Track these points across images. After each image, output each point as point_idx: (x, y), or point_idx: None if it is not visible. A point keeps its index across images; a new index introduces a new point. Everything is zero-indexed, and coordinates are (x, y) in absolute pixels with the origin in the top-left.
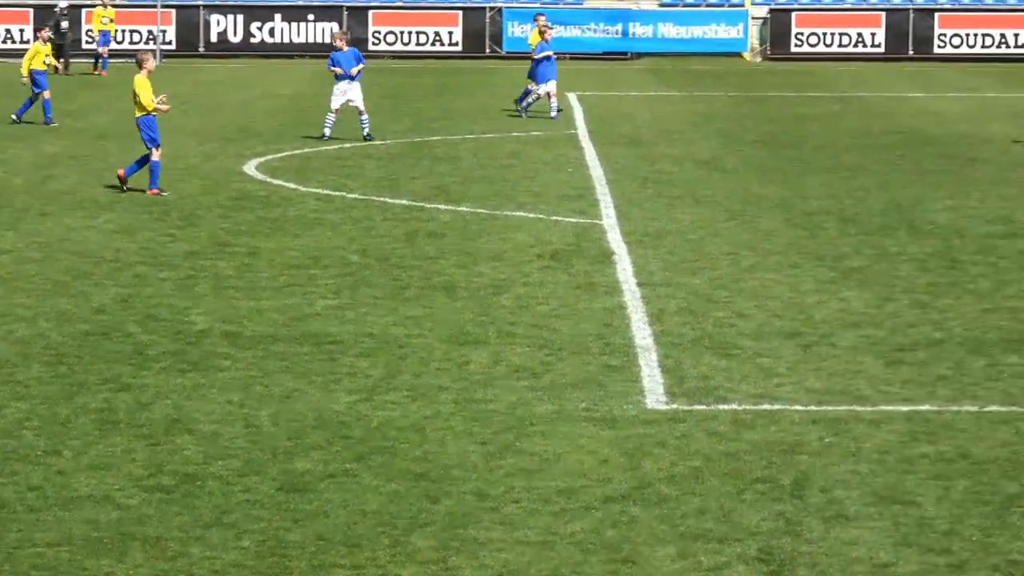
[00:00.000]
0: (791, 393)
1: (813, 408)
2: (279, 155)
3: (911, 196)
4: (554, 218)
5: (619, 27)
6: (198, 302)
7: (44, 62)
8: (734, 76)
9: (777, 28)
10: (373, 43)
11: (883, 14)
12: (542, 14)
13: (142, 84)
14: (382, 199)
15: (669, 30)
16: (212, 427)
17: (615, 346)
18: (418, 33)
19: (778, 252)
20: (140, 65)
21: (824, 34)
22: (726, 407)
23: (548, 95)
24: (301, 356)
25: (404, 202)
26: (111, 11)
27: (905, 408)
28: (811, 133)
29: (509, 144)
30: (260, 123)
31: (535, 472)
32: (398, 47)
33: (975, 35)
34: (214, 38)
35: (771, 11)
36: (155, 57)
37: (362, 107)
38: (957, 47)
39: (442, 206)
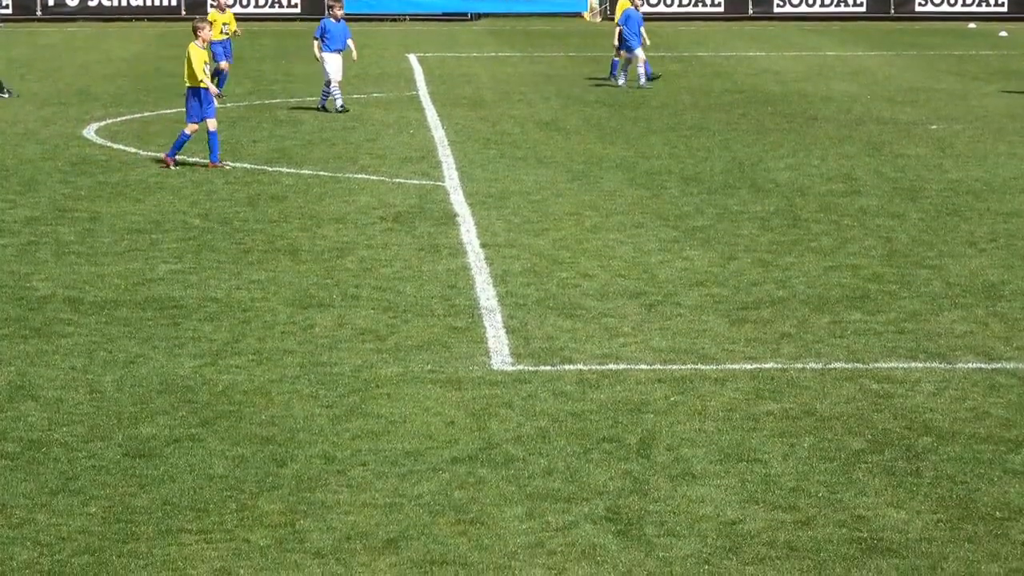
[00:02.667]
0: (636, 353)
1: (658, 367)
2: (119, 119)
3: (753, 155)
4: (397, 180)
5: None
6: (39, 268)
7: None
8: (574, 36)
9: None
10: (212, 4)
11: None
12: None
13: (195, 53)
14: (223, 163)
15: None
16: (56, 393)
17: (460, 308)
18: None
19: (621, 212)
20: (195, 33)
21: None
22: (571, 367)
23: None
24: (144, 321)
25: (246, 166)
26: None
27: (750, 366)
28: (652, 92)
29: (350, 106)
30: (99, 87)
31: (381, 435)
32: (237, 9)
33: None
34: (51, 1)
35: None
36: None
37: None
38: (796, 6)
39: (284, 169)
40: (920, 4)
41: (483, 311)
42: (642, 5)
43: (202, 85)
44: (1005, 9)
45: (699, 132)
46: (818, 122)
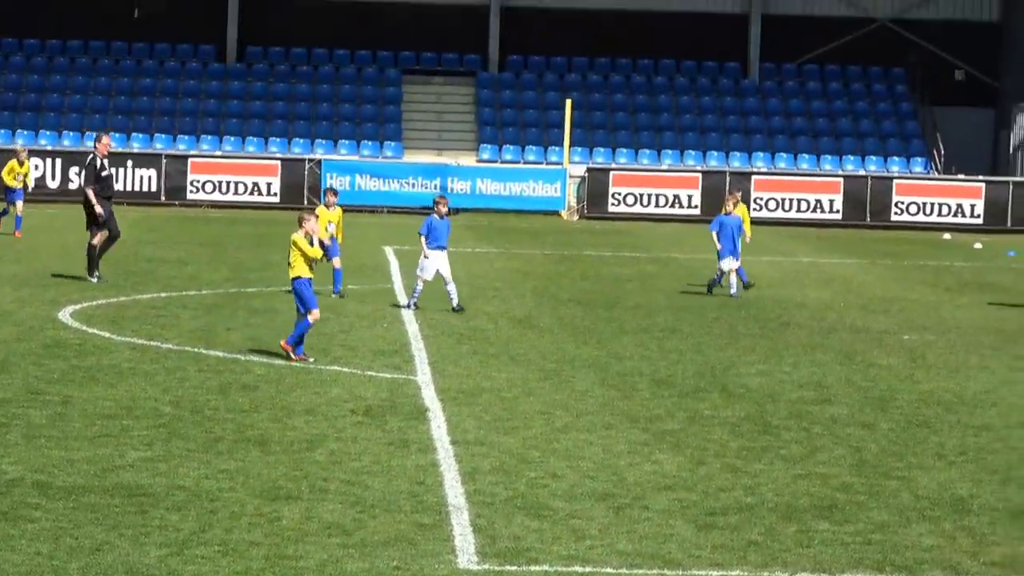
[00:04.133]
0: (602, 555)
1: (624, 571)
2: (94, 303)
3: (725, 359)
4: (369, 373)
5: (437, 182)
6: (9, 451)
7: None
8: (551, 234)
9: (595, 187)
10: (191, 191)
11: (699, 176)
12: None
13: (302, 241)
14: (197, 350)
15: (487, 186)
16: None
17: (427, 504)
18: (237, 183)
19: (592, 412)
20: (299, 224)
21: (641, 195)
22: (537, 568)
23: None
24: (112, 508)
25: (219, 354)
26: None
27: (716, 573)
28: (626, 293)
29: (324, 298)
30: (76, 270)
31: None
32: (217, 196)
33: (791, 199)
34: (32, 183)
35: (589, 170)
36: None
37: (450, 277)
38: (773, 211)
39: (257, 358)
40: (896, 213)
41: (451, 508)
42: (733, 207)
43: (309, 274)
44: (980, 221)
45: (672, 334)
46: (791, 328)
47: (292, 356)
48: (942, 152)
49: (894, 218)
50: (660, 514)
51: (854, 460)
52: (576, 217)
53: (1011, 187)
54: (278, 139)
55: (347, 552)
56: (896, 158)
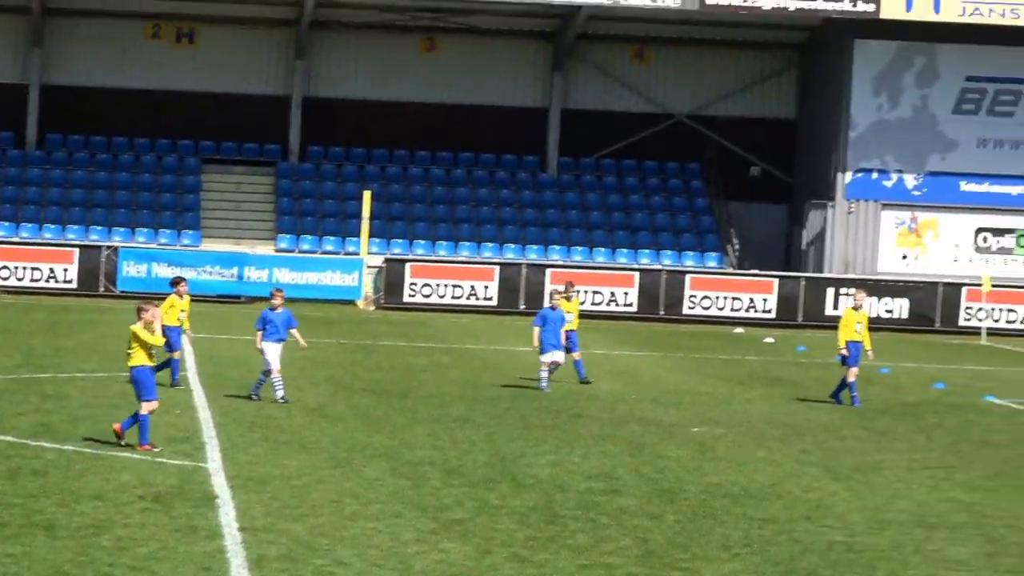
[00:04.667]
0: None
1: None
2: None
3: (515, 449)
4: (159, 460)
5: (235, 270)
6: None
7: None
8: (347, 323)
9: (392, 277)
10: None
11: (496, 268)
12: None
13: (141, 332)
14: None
15: (284, 275)
16: None
17: None
18: (32, 269)
19: (381, 501)
20: (138, 315)
21: (437, 285)
22: None
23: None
24: None
25: (9, 439)
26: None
27: None
28: (420, 383)
29: (118, 384)
30: None
31: None
32: (13, 282)
33: (586, 292)
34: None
35: (386, 260)
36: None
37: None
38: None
39: (47, 444)
40: (689, 307)
41: None
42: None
43: (149, 362)
44: (773, 316)
45: (464, 424)
46: (582, 420)
47: (121, 440)
48: (736, 247)
49: (687, 311)
50: None
51: (640, 551)
52: (373, 307)
53: (803, 283)
54: (75, 226)
55: None
56: (691, 252)
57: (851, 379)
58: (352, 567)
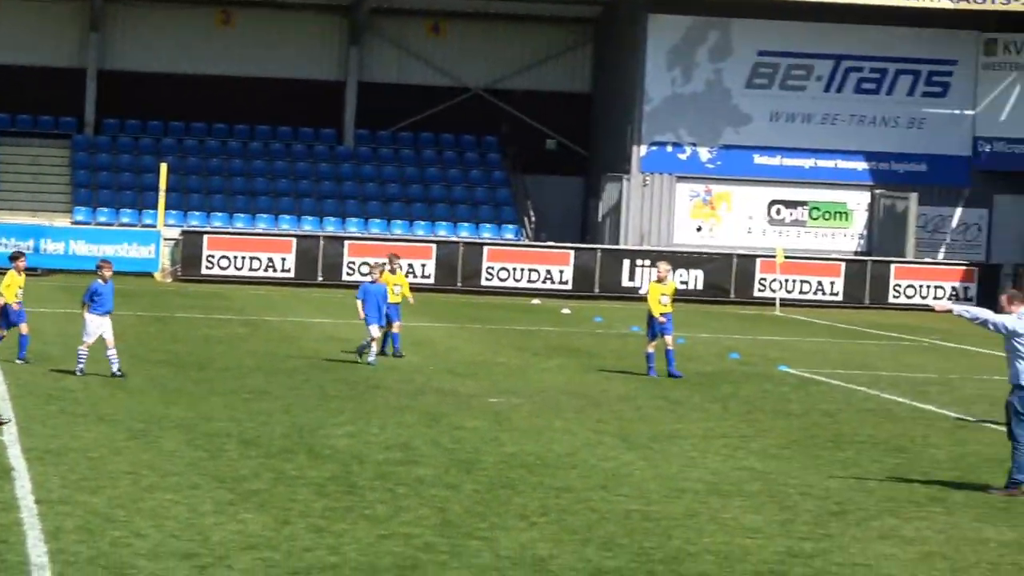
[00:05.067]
0: None
1: None
2: None
3: (313, 420)
4: None
5: (31, 242)
6: None
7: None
8: (144, 296)
9: (189, 250)
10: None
11: (293, 240)
12: None
13: None
14: None
15: (81, 247)
16: None
17: (10, 564)
18: None
19: (178, 473)
20: None
21: (235, 258)
22: None
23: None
24: None
25: None
26: None
27: None
28: (217, 355)
29: None
30: None
31: None
32: None
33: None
34: None
35: (184, 233)
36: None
37: (113, 343)
38: (365, 275)
39: None
40: (487, 279)
41: (33, 568)
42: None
43: None
44: (569, 287)
45: (262, 396)
46: (380, 391)
47: None
48: (533, 219)
49: (485, 283)
50: (244, 573)
51: (438, 520)
52: (170, 279)
53: (599, 254)
54: None
55: None
56: (488, 224)
57: (650, 350)
58: (150, 538)
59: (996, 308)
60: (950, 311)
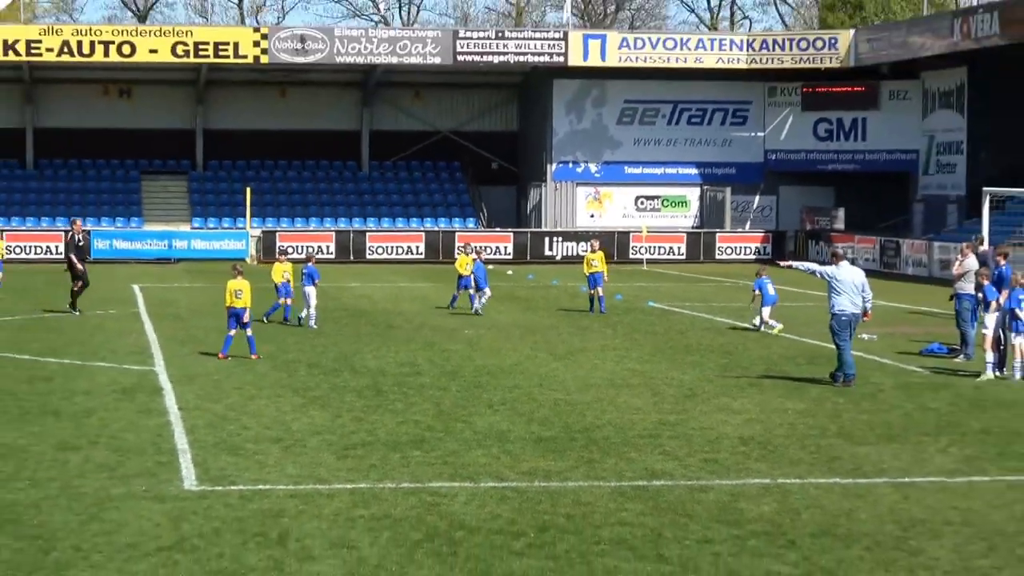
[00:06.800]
0: (276, 478)
1: (291, 487)
2: None
3: (352, 349)
4: (125, 367)
5: (165, 242)
6: None
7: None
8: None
9: (267, 243)
10: None
11: (333, 233)
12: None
13: None
14: (10, 355)
15: (199, 244)
16: None
17: (164, 449)
18: None
19: (268, 387)
20: None
21: (296, 247)
22: (235, 488)
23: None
24: None
25: (25, 357)
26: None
27: (349, 486)
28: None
29: (94, 320)
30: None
31: (112, 532)
32: None
33: (394, 246)
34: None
35: (263, 232)
36: None
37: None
38: (381, 255)
39: (51, 360)
40: (457, 253)
41: (179, 451)
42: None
43: None
44: (511, 256)
45: (317, 334)
46: (393, 328)
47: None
48: (485, 214)
49: (456, 256)
50: (313, 450)
51: (435, 411)
52: (255, 263)
53: (529, 235)
54: None
55: (113, 482)
56: (458, 219)
57: (601, 295)
58: (252, 430)
59: (823, 263)
60: (791, 266)
